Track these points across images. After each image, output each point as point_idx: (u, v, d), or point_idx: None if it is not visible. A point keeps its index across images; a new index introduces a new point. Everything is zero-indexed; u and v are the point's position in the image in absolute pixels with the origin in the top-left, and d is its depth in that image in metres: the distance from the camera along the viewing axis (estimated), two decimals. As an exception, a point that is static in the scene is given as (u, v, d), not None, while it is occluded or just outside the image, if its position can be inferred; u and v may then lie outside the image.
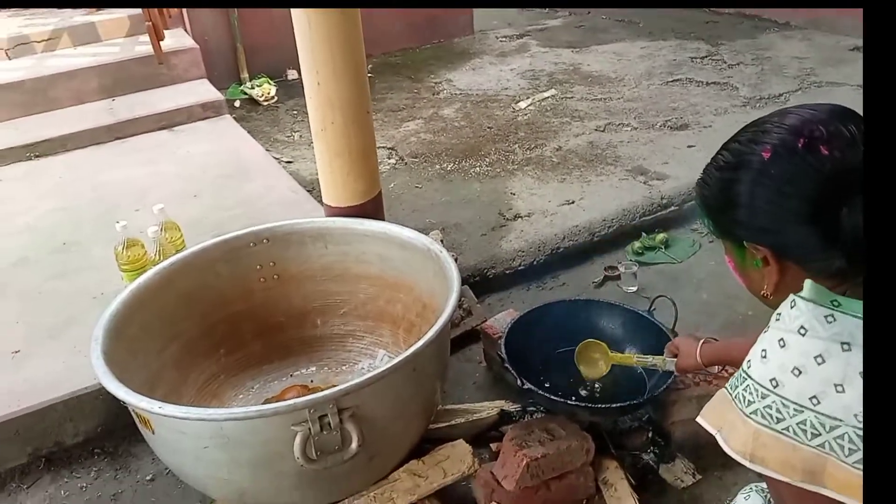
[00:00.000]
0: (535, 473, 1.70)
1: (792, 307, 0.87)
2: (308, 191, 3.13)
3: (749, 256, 0.98)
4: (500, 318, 2.24)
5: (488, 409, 1.99)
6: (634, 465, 1.83)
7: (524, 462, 1.68)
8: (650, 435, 1.87)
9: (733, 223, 0.97)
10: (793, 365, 0.85)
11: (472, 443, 1.80)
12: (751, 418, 0.87)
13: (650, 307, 2.02)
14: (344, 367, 2.15)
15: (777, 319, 0.89)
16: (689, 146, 3.53)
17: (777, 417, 0.85)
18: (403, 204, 3.17)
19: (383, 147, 3.76)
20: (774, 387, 0.86)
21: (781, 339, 0.87)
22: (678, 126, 3.78)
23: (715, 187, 0.99)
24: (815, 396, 0.83)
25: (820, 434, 0.82)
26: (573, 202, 3.07)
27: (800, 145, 0.89)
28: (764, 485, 1.21)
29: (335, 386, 2.01)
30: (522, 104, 4.23)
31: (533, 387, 1.78)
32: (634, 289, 2.66)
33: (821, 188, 0.87)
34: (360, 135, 2.03)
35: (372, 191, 2.14)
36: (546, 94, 4.34)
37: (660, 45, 5.13)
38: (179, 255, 1.99)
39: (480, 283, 2.63)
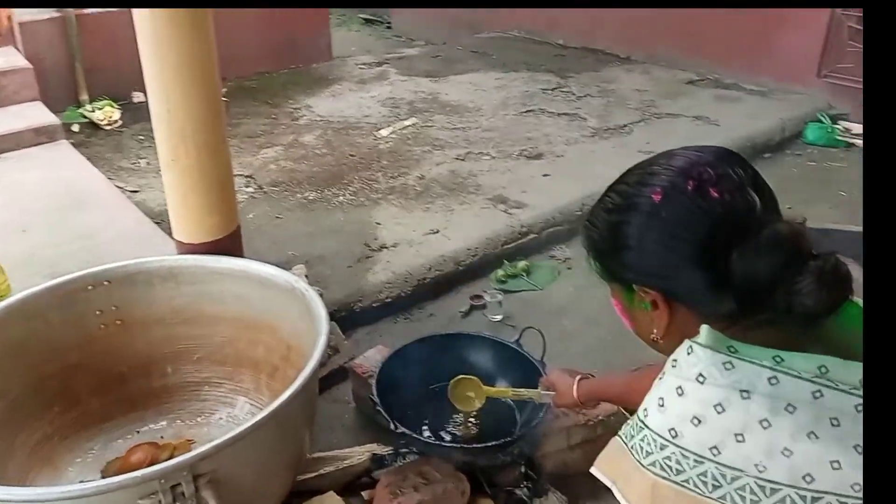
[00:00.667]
0: (410, 523, 1.61)
1: (689, 354, 0.84)
2: (156, 223, 2.88)
3: (638, 299, 0.95)
4: (370, 356, 2.14)
5: (359, 454, 1.88)
6: (508, 502, 1.79)
7: (399, 512, 1.59)
8: (522, 469, 1.84)
9: (622, 266, 0.94)
10: (692, 414, 0.81)
11: (344, 492, 1.71)
12: (649, 470, 0.83)
13: (518, 338, 2.01)
14: (199, 419, 1.95)
15: (673, 366, 0.85)
16: (545, 175, 3.61)
17: (677, 469, 0.81)
18: (263, 236, 2.99)
19: (240, 175, 3.55)
20: (673, 437, 0.81)
21: (679, 387, 0.83)
22: (533, 155, 3.86)
23: (603, 229, 0.96)
24: (715, 447, 0.79)
25: (721, 486, 0.79)
26: (438, 231, 3.03)
27: (689, 187, 0.87)
28: None
29: (189, 441, 1.85)
30: (384, 132, 4.17)
31: (406, 430, 1.70)
32: (500, 317, 2.66)
33: (711, 231, 0.86)
34: (216, 166, 1.87)
35: (229, 226, 1.98)
36: (407, 123, 4.31)
37: (512, 76, 5.26)
38: (3, 303, 1.73)
39: (347, 317, 2.52)
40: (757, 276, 0.84)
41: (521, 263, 2.95)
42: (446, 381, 2.01)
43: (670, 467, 0.81)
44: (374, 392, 1.77)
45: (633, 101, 4.68)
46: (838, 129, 4.21)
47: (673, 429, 0.81)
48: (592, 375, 1.59)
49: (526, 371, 1.94)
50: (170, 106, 1.78)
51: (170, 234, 2.23)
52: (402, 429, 1.68)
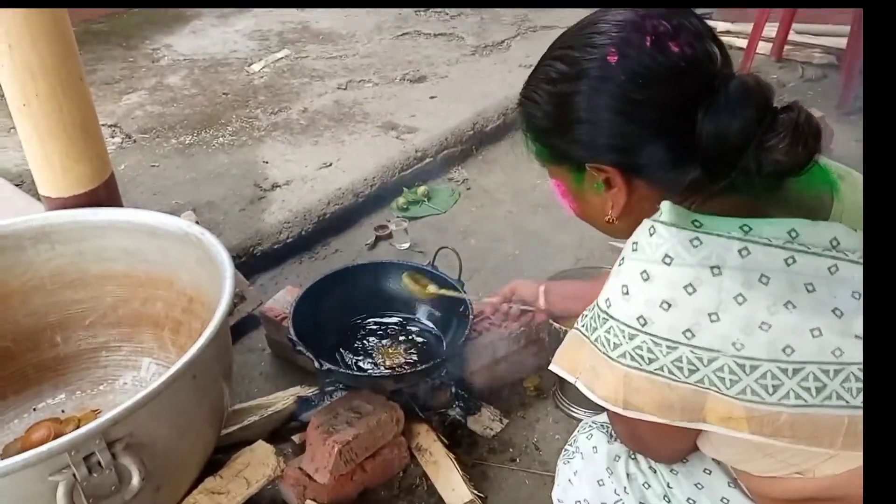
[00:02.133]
0: (348, 458, 1.56)
1: (651, 234, 0.76)
2: (16, 185, 2.58)
3: (589, 180, 0.86)
4: (280, 299, 2.03)
5: (283, 399, 1.80)
6: (443, 424, 1.77)
7: (335, 449, 1.53)
8: (453, 390, 1.82)
9: (571, 143, 0.84)
10: (661, 298, 0.74)
11: (272, 439, 1.63)
12: (618, 362, 0.77)
13: (433, 260, 1.95)
14: (101, 387, 1.79)
15: (634, 250, 0.78)
16: (431, 97, 3.52)
17: (649, 358, 0.75)
18: (140, 187, 2.76)
19: (104, 125, 3.22)
20: (643, 325, 0.75)
21: (644, 271, 0.76)
22: (417, 78, 3.74)
23: (546, 104, 0.85)
24: (688, 330, 0.73)
25: (697, 370, 0.74)
26: (331, 164, 2.90)
27: (647, 43, 0.77)
28: (599, 419, 1.17)
29: (95, 411, 1.69)
30: (256, 66, 3.90)
31: (332, 366, 1.62)
32: (407, 245, 2.60)
33: (674, 89, 0.77)
34: (76, 107, 1.64)
35: (101, 174, 1.77)
36: (279, 55, 4.05)
37: (384, -1, 5.05)
38: None
39: (248, 263, 2.39)
40: (727, 135, 0.76)
41: (421, 188, 2.88)
42: (364, 313, 1.96)
43: (641, 357, 0.76)
44: (292, 332, 1.67)
45: (507, 17, 4.62)
46: (705, 29, 4.33)
47: (641, 316, 0.76)
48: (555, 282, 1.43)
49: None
50: (10, 41, 1.54)
51: (35, 195, 1.99)
52: (327, 365, 1.59)
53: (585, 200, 0.91)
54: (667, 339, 0.75)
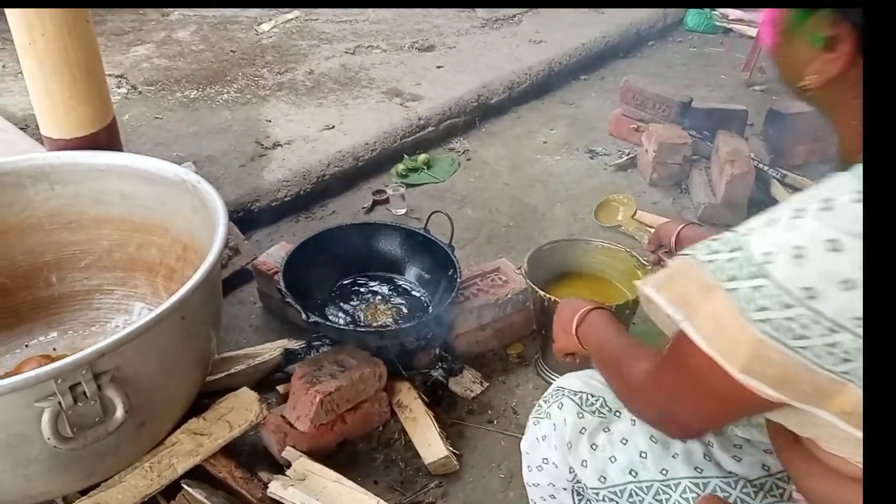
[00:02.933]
0: (329, 409, 1.59)
1: (856, 200, 0.63)
2: (21, 129, 2.59)
3: (812, 26, 0.71)
4: (273, 253, 2.06)
5: (270, 350, 1.83)
6: (425, 383, 1.80)
7: (317, 399, 1.56)
8: (437, 351, 1.86)
9: None
10: (844, 277, 0.63)
11: (257, 389, 1.65)
12: (756, 325, 0.66)
13: (426, 224, 1.98)
14: (93, 329, 1.83)
15: (827, 209, 0.64)
16: (438, 67, 3.52)
17: (800, 334, 0.65)
18: (143, 137, 2.78)
19: (111, 74, 3.24)
20: (809, 298, 0.64)
21: (834, 240, 0.63)
22: (425, 47, 3.74)
23: None
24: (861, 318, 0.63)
25: (852, 361, 0.64)
26: (333, 127, 2.91)
27: None
28: (573, 385, 1.18)
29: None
30: (265, 26, 3.90)
31: (318, 318, 1.65)
32: (403, 211, 2.62)
33: None
34: (82, 48, 1.66)
35: (104, 117, 1.79)
36: (290, 16, 4.05)
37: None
38: None
39: (244, 218, 2.41)
40: None
41: (422, 156, 2.89)
42: (355, 272, 1.99)
43: (790, 330, 0.65)
44: (282, 283, 1.70)
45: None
46: (716, 14, 4.31)
47: (812, 288, 0.64)
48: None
49: (435, 256, 1.92)
50: (19, -20, 1.55)
51: (38, 139, 2.01)
52: (313, 318, 1.63)
53: (792, 46, 0.76)
54: (831, 321, 0.64)
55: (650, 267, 1.78)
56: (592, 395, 1.14)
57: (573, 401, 1.14)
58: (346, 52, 3.64)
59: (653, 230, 1.39)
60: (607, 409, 1.12)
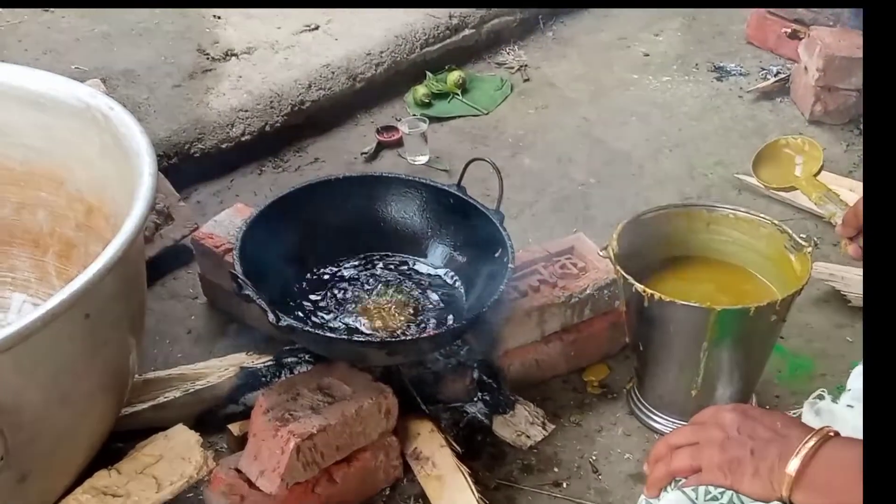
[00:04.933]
0: (310, 460, 1.61)
1: None
2: None
3: None
4: (223, 221, 2.08)
5: (218, 369, 1.87)
6: (457, 424, 1.82)
7: (291, 444, 1.57)
8: (475, 376, 1.87)
9: None
10: None
11: (199, 427, 1.68)
12: None
13: (460, 179, 1.97)
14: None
15: None
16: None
17: None
18: (24, 40, 2.84)
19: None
20: None
21: None
22: None
23: None
24: None
25: None
26: (317, 27, 2.95)
27: None
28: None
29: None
30: None
31: (294, 322, 1.65)
32: (426, 158, 2.64)
33: None
34: None
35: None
36: None
37: None
38: None
39: (180, 168, 2.45)
40: None
41: (453, 74, 2.91)
42: (350, 251, 2.00)
43: None
44: (238, 268, 1.70)
45: None
46: None
47: None
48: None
49: (474, 229, 1.91)
50: None
51: None
52: (286, 320, 1.62)
53: None
54: None
55: (810, 250, 1.75)
56: None
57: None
58: None
59: (848, 206, 1.40)
60: None
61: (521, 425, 1.86)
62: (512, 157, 2.64)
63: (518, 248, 1.89)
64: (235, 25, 2.94)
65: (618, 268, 1.77)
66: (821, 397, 1.34)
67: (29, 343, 1.26)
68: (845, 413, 1.27)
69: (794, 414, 1.49)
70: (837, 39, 2.72)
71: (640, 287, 1.71)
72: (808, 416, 1.31)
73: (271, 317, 1.62)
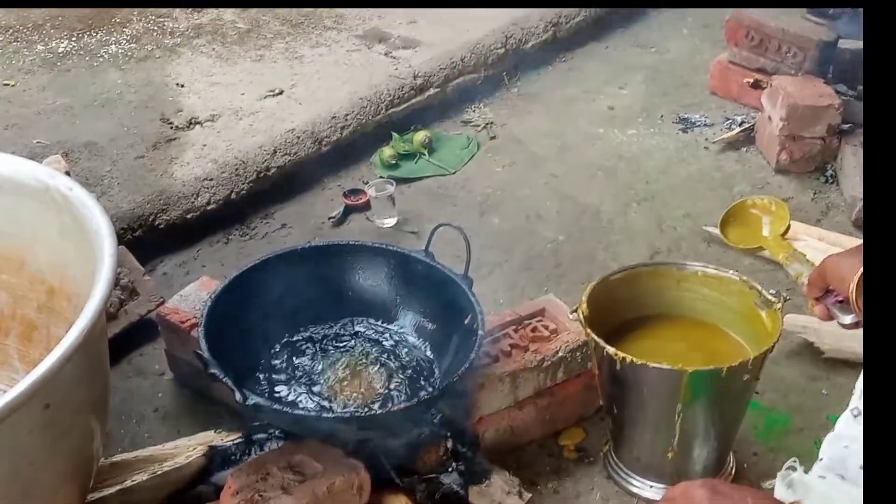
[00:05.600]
0: (281, 543, 1.58)
1: None
2: None
3: None
4: (189, 295, 2.08)
5: (186, 449, 1.84)
6: (432, 496, 1.80)
7: (262, 528, 1.55)
8: (449, 445, 1.86)
9: None
10: None
11: (167, 511, 1.65)
12: None
13: (427, 244, 1.97)
14: None
15: None
16: (444, -6, 3.55)
17: None
18: (-17, 116, 2.84)
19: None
20: None
21: None
22: (423, -35, 3.78)
23: None
24: None
25: None
26: (281, 92, 2.97)
27: None
28: None
29: None
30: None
31: (261, 400, 1.64)
32: (394, 221, 2.64)
33: None
34: None
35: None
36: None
37: None
38: None
39: (145, 239, 2.44)
40: None
41: (420, 134, 2.92)
42: (317, 321, 1.99)
43: None
44: (203, 345, 1.69)
45: None
46: None
47: None
48: None
49: (444, 294, 1.92)
50: None
51: None
52: (253, 398, 1.61)
53: None
54: None
55: (779, 306, 1.76)
56: None
57: None
58: (300, -26, 3.69)
59: (814, 266, 1.44)
60: None
61: (497, 495, 1.83)
62: (480, 217, 2.64)
63: (488, 309, 1.90)
64: (199, 93, 2.95)
65: (588, 331, 1.77)
66: (793, 468, 1.34)
67: (-13, 439, 1.25)
68: (817, 484, 1.27)
69: (767, 485, 1.49)
70: (800, 88, 2.74)
71: (611, 350, 1.71)
72: (781, 489, 1.31)
73: (238, 396, 1.62)
